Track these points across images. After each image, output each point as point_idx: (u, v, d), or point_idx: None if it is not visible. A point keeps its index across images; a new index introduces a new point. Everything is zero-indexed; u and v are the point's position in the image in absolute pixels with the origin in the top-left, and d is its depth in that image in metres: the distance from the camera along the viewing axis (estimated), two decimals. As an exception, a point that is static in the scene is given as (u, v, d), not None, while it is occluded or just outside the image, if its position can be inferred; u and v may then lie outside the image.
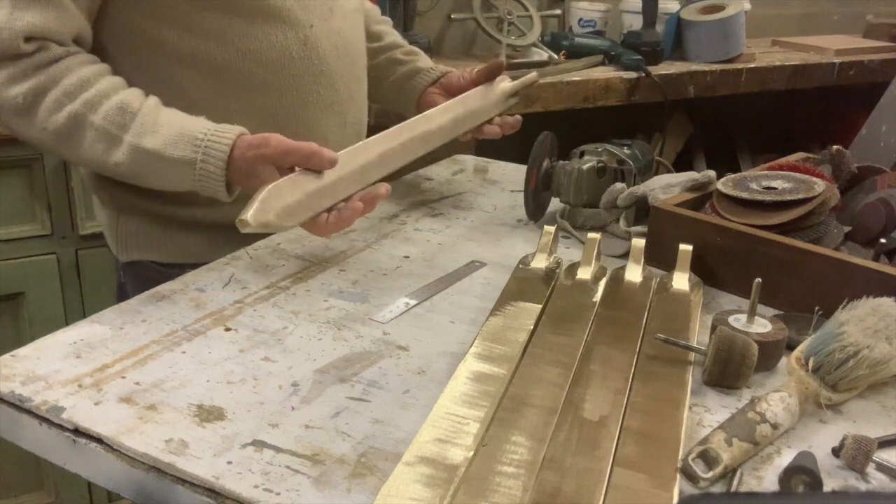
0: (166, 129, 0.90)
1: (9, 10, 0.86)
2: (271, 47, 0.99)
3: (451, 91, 1.21)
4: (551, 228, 0.97)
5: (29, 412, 0.68)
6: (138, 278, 1.06)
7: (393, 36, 1.30)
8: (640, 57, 2.00)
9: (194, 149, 0.89)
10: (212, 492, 0.61)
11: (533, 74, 1.25)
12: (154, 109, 0.91)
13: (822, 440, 0.68)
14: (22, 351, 0.76)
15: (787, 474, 0.62)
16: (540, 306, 0.85)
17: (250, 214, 0.80)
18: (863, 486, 0.64)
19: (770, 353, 0.78)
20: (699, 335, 0.82)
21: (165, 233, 1.06)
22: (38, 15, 0.87)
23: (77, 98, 0.89)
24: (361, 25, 1.16)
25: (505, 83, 1.19)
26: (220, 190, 0.90)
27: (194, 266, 0.96)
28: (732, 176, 1.03)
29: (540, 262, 0.95)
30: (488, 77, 1.19)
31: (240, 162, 0.88)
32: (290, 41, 1.01)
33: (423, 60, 1.27)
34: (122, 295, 1.07)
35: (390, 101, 1.32)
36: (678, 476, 0.62)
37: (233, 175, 0.89)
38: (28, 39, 0.87)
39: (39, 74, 0.89)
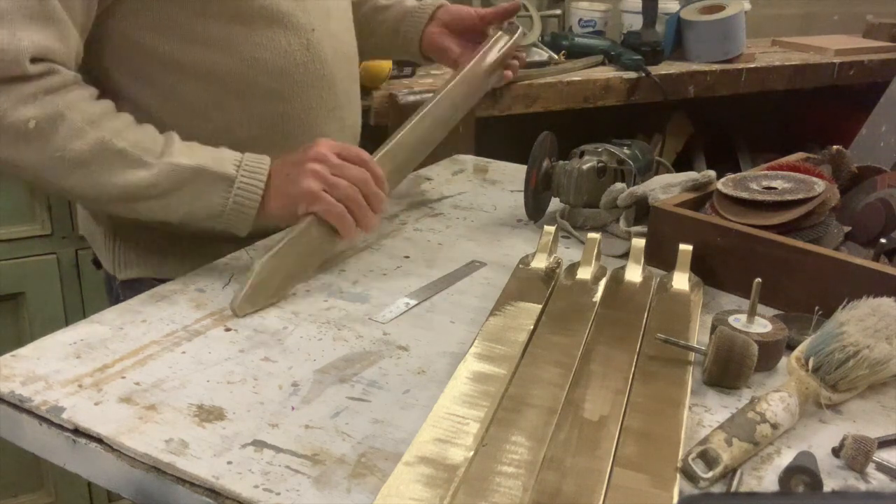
0: (201, 151, 0.91)
1: (11, 31, 0.82)
2: (276, 54, 0.98)
3: (457, 27, 1.19)
4: (551, 228, 0.97)
5: (29, 412, 0.68)
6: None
7: None
8: (640, 57, 1.99)
9: (235, 164, 0.90)
10: (212, 492, 0.61)
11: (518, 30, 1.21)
12: (181, 140, 0.91)
13: (822, 440, 0.68)
14: (22, 351, 0.76)
15: (787, 474, 0.62)
16: (540, 306, 0.85)
17: (238, 304, 0.85)
18: (863, 486, 0.63)
19: (770, 353, 0.78)
20: (699, 335, 0.82)
21: (166, 248, 1.04)
22: (41, 34, 0.84)
23: (102, 125, 0.86)
24: (352, 25, 1.15)
25: (496, 49, 1.16)
26: (252, 208, 0.90)
27: None
28: (732, 176, 1.03)
29: (540, 262, 0.95)
30: (503, 19, 1.17)
31: (282, 168, 0.91)
32: (294, 46, 0.99)
33: (408, 0, 1.24)
34: None
35: (387, 50, 1.30)
36: (678, 476, 0.62)
37: (276, 182, 0.91)
38: (34, 60, 0.83)
39: (55, 98, 0.84)
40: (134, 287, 1.04)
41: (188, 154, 0.89)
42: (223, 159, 0.90)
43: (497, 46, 1.16)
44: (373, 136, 1.65)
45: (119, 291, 1.08)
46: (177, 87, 0.96)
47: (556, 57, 2.00)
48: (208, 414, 0.68)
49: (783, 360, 0.79)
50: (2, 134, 0.83)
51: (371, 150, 0.99)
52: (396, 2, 1.25)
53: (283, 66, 0.99)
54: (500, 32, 1.17)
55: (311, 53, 1.01)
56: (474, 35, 1.20)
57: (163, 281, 1.02)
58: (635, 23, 2.17)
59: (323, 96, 1.04)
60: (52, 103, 0.84)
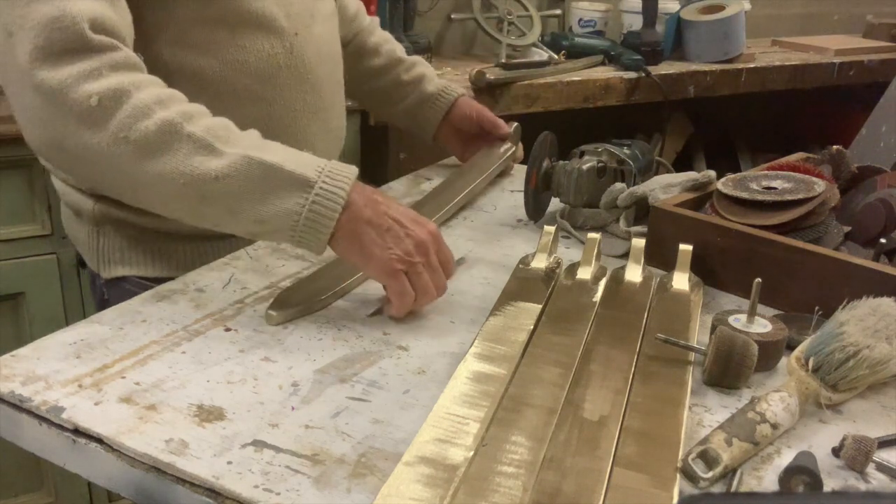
0: (282, 149, 0.83)
1: (61, 2, 0.77)
2: (259, 57, 0.98)
3: (465, 130, 1.29)
4: (551, 228, 0.97)
5: (29, 412, 0.68)
6: (125, 295, 0.98)
7: (390, 44, 1.31)
8: (640, 57, 2.00)
9: (317, 169, 0.81)
10: (212, 492, 0.61)
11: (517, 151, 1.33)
12: (260, 137, 0.85)
13: (822, 440, 0.69)
14: (22, 351, 0.76)
15: (787, 474, 0.62)
16: (540, 306, 0.85)
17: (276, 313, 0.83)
18: (863, 486, 0.64)
19: (770, 353, 0.78)
20: (699, 335, 0.82)
21: (151, 245, 1.03)
22: (93, 3, 0.79)
23: (170, 107, 0.80)
24: (337, 29, 1.16)
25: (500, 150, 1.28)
26: (332, 218, 0.80)
27: None
28: (732, 176, 1.03)
29: (540, 262, 0.95)
30: (492, 133, 1.28)
31: (377, 211, 0.82)
32: (277, 50, 1.00)
33: (428, 81, 1.29)
34: None
35: (404, 126, 1.37)
36: (678, 476, 0.62)
37: (364, 213, 0.81)
38: (94, 30, 0.78)
39: (120, 75, 0.78)
40: (119, 286, 1.03)
41: (265, 149, 0.82)
42: (304, 161, 0.81)
43: (498, 163, 1.28)
44: (373, 136, 1.65)
45: (104, 290, 1.06)
46: None
47: (556, 57, 2.00)
48: (208, 414, 0.68)
49: (783, 360, 0.79)
50: (65, 112, 0.77)
51: (369, 154, 0.99)
52: (415, 79, 1.28)
53: (266, 69, 0.99)
54: (502, 148, 1.30)
55: (295, 57, 1.02)
56: (478, 140, 1.30)
57: (149, 279, 1.01)
58: (635, 23, 2.17)
59: (307, 99, 1.04)
60: (118, 79, 0.78)
